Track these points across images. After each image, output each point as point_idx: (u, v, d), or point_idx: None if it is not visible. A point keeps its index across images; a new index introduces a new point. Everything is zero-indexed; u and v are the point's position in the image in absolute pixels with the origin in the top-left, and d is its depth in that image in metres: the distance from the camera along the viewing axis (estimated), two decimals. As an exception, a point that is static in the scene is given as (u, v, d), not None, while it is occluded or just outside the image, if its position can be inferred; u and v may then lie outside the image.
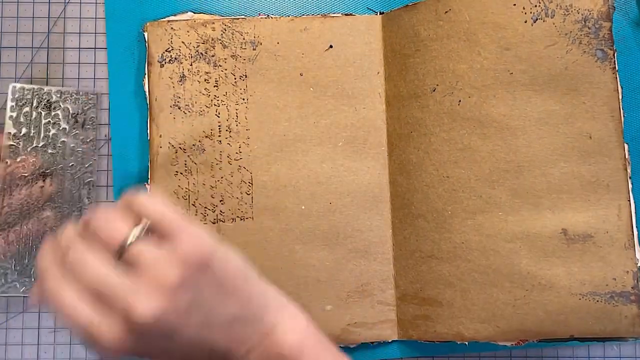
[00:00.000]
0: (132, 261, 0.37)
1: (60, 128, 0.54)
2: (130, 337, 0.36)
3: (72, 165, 0.54)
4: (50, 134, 0.54)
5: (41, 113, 0.54)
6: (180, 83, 0.52)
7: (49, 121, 0.54)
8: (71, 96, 0.54)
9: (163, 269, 0.36)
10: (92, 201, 0.54)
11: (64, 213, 0.54)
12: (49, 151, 0.54)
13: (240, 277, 0.40)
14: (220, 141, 0.52)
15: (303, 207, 0.52)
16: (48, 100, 0.54)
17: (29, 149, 0.54)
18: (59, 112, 0.54)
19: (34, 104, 0.54)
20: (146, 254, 0.37)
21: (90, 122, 0.54)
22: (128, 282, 0.36)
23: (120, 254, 0.37)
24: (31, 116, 0.54)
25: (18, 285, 0.53)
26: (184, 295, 0.37)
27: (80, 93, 0.54)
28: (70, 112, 0.54)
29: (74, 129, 0.54)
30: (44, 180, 0.54)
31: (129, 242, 0.37)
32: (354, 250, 0.52)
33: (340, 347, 0.52)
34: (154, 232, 0.38)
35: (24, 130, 0.54)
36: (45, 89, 0.54)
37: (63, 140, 0.54)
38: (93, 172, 0.55)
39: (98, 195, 0.55)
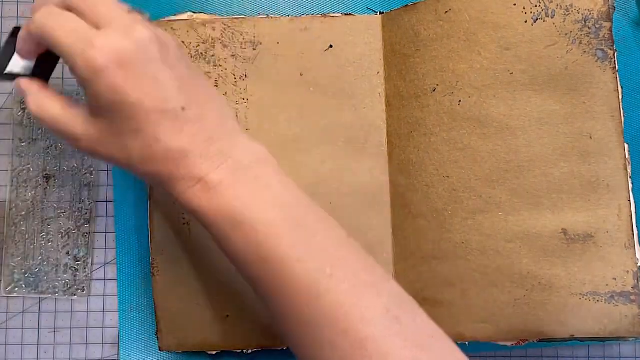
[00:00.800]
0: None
1: None
2: (126, 47, 0.39)
3: (74, 166, 0.54)
4: (52, 135, 0.54)
5: None
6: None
7: None
8: (73, 96, 0.54)
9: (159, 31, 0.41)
10: (92, 202, 0.55)
11: (66, 214, 0.54)
12: (52, 153, 0.54)
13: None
14: (220, 141, 0.52)
15: (303, 207, 0.52)
16: None
17: (33, 152, 0.54)
18: None
19: None
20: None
21: None
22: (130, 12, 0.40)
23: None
24: (34, 118, 0.54)
25: (24, 285, 0.54)
26: (175, 51, 0.41)
27: (81, 93, 0.54)
28: None
29: None
30: (47, 182, 0.54)
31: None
32: (354, 250, 0.52)
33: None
34: None
35: (28, 133, 0.54)
36: None
37: (65, 142, 0.54)
38: (93, 173, 0.55)
39: (98, 195, 0.55)
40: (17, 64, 0.44)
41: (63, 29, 0.39)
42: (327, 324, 0.38)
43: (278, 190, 0.41)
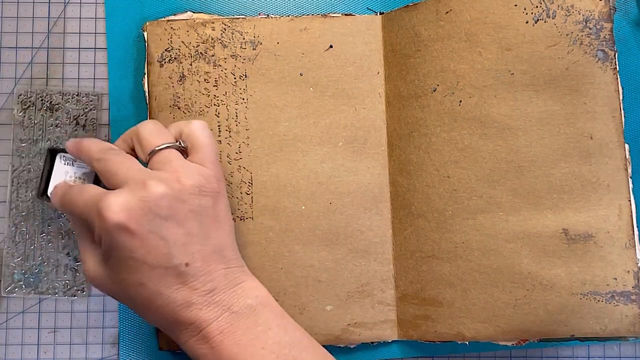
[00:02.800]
0: (161, 163, 0.44)
1: (63, 130, 0.54)
2: (133, 206, 0.41)
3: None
4: (53, 136, 0.54)
5: (44, 115, 0.54)
6: (180, 83, 0.52)
7: (52, 123, 0.54)
8: (72, 97, 0.54)
9: (185, 173, 0.43)
10: None
11: (66, 215, 0.54)
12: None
13: (231, 227, 0.46)
14: (220, 141, 0.52)
15: (303, 207, 0.52)
16: (50, 102, 0.54)
17: (34, 153, 0.54)
18: (60, 113, 0.54)
19: (38, 106, 0.54)
20: (175, 160, 0.44)
21: (91, 124, 0.54)
22: (150, 170, 0.43)
23: (152, 154, 0.44)
24: (35, 119, 0.54)
25: (24, 286, 0.54)
26: (190, 200, 0.43)
27: (81, 94, 0.54)
28: (72, 113, 0.54)
29: (75, 130, 0.54)
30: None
31: (162, 146, 0.44)
32: (354, 250, 0.52)
33: (340, 347, 0.52)
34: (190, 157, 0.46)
35: (29, 134, 0.54)
36: (47, 90, 0.54)
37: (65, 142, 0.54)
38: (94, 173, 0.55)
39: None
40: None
41: (81, 195, 0.44)
42: None
43: (276, 333, 0.44)
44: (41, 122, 0.54)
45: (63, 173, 0.50)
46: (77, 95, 0.54)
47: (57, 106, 0.54)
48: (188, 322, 0.43)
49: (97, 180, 0.49)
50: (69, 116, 0.54)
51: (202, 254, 0.43)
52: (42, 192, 0.50)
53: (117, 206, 0.41)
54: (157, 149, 0.44)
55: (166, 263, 0.42)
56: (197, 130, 0.46)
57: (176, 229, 0.42)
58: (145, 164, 0.45)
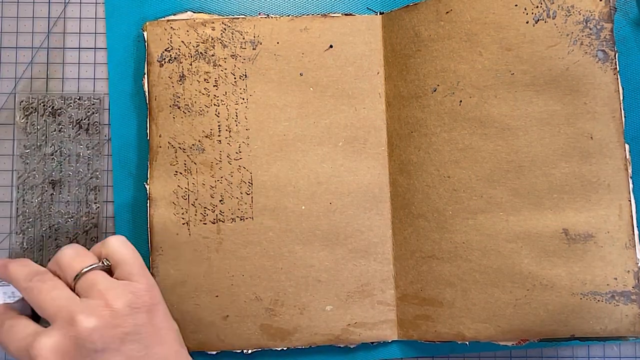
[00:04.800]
0: (88, 288, 0.43)
1: (66, 135, 0.54)
2: (65, 347, 0.40)
3: (80, 171, 0.54)
4: (57, 141, 0.54)
5: (47, 120, 0.54)
6: (180, 83, 0.52)
7: (55, 128, 0.54)
8: (74, 101, 0.54)
9: (113, 294, 0.42)
10: (99, 205, 0.54)
11: (73, 219, 0.54)
12: (57, 159, 0.54)
13: (173, 332, 0.45)
14: (220, 141, 0.52)
15: (303, 207, 0.52)
16: (52, 107, 0.54)
17: (38, 158, 0.54)
18: (63, 118, 0.54)
19: (40, 112, 0.54)
20: (101, 281, 0.43)
21: (94, 127, 0.54)
22: (78, 300, 0.42)
23: (77, 279, 0.43)
24: (38, 124, 0.54)
25: None
26: (123, 323, 0.41)
27: (83, 98, 0.54)
28: (74, 117, 0.54)
29: (79, 134, 0.54)
30: (53, 188, 0.54)
31: (85, 269, 0.43)
32: (354, 250, 0.52)
33: (340, 347, 0.52)
34: (115, 274, 0.45)
35: (32, 139, 0.54)
36: (48, 95, 0.54)
37: (69, 147, 0.54)
38: (99, 177, 0.55)
39: (102, 197, 0.55)
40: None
41: (10, 336, 0.43)
42: None
43: None
44: (44, 128, 0.54)
45: (2, 295, 0.47)
46: (78, 99, 0.54)
47: (59, 111, 0.54)
48: None
49: None
50: (71, 120, 0.54)
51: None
52: None
53: (48, 351, 0.40)
54: (81, 272, 0.43)
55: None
56: (115, 245, 0.45)
57: (115, 359, 0.41)
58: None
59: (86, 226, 0.54)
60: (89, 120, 0.54)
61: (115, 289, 0.43)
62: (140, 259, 0.46)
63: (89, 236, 0.54)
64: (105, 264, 0.45)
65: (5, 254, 0.54)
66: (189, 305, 0.52)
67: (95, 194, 0.54)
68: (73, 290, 0.44)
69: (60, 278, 0.45)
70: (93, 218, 0.54)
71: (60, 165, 0.54)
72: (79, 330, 0.40)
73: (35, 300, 0.43)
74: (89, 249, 0.47)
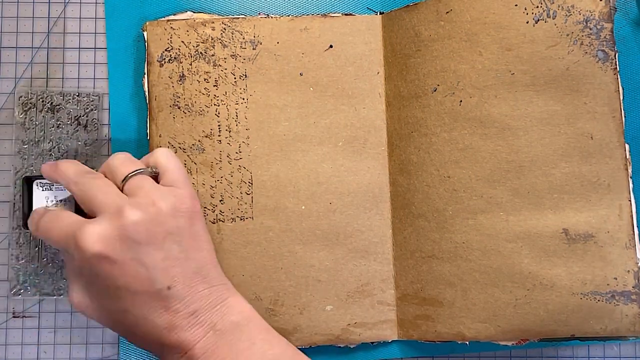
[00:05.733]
0: (135, 189, 0.44)
1: (64, 131, 0.54)
2: (111, 235, 0.41)
3: None
4: (55, 137, 0.54)
5: (45, 116, 0.54)
6: (180, 82, 0.52)
7: (53, 124, 0.54)
8: (73, 98, 0.54)
9: (158, 195, 0.43)
10: None
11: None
12: (54, 155, 0.54)
13: (210, 244, 0.46)
14: (220, 141, 0.52)
15: (303, 207, 0.52)
16: (51, 103, 0.54)
17: (36, 154, 0.54)
18: (62, 114, 0.54)
19: (39, 107, 0.54)
20: (147, 184, 0.44)
21: (93, 124, 0.54)
22: (126, 196, 0.43)
23: (125, 181, 0.44)
24: (37, 120, 0.54)
25: (29, 287, 0.54)
26: (167, 222, 0.43)
27: (82, 94, 0.54)
28: (73, 114, 0.54)
29: (77, 131, 0.54)
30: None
31: (132, 173, 0.44)
32: (354, 250, 0.52)
33: (340, 347, 0.52)
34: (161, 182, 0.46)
35: (31, 135, 0.54)
36: (48, 91, 0.54)
37: (67, 144, 0.54)
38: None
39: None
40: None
41: (57, 223, 0.44)
42: None
43: (260, 347, 0.43)
44: (42, 124, 0.54)
45: (43, 199, 0.49)
46: (77, 95, 0.54)
47: (58, 107, 0.54)
48: (173, 345, 0.43)
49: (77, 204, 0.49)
50: (70, 117, 0.54)
51: (184, 276, 0.43)
52: (25, 223, 0.49)
53: (94, 236, 0.41)
54: (129, 175, 0.44)
55: (148, 288, 0.42)
56: (162, 156, 0.47)
57: (156, 254, 0.42)
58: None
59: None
60: (87, 117, 0.54)
61: (161, 192, 0.44)
62: (185, 170, 0.47)
63: None
64: (153, 170, 0.46)
65: (5, 254, 0.54)
66: (189, 305, 0.52)
67: None
68: (121, 191, 0.45)
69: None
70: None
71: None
72: (126, 222, 0.41)
73: (84, 194, 0.44)
74: None
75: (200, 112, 0.52)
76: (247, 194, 0.52)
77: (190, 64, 0.52)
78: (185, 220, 0.44)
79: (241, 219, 0.52)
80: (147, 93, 0.53)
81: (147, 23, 0.53)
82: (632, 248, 0.48)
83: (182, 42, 0.52)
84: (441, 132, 0.50)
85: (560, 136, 0.48)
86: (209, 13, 0.55)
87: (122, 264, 0.41)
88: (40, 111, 0.54)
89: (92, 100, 0.54)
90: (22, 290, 0.53)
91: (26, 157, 0.54)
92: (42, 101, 0.54)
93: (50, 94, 0.54)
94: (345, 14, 0.53)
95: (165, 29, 0.52)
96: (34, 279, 0.53)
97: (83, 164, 0.52)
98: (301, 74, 0.53)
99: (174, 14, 0.54)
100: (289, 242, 0.52)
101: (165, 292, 0.42)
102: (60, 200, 0.49)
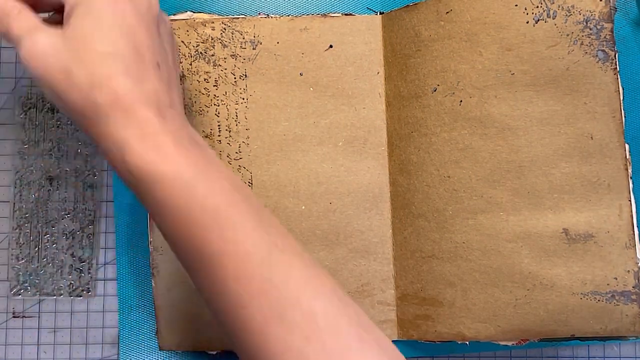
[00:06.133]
0: None
1: (64, 131, 0.54)
2: None
3: (77, 167, 0.54)
4: (55, 137, 0.54)
5: (45, 116, 0.54)
6: (180, 83, 0.52)
7: (53, 124, 0.54)
8: None
9: None
10: (96, 202, 0.54)
11: (70, 215, 0.54)
12: (54, 155, 0.54)
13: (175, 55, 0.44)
14: (220, 141, 0.52)
15: (303, 207, 0.52)
16: (51, 103, 0.54)
17: (36, 154, 0.54)
18: (62, 114, 0.54)
19: (39, 107, 0.54)
20: None
21: None
22: None
23: None
24: (37, 120, 0.54)
25: (29, 287, 0.54)
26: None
27: None
28: None
29: (77, 131, 0.54)
30: (50, 184, 0.54)
31: None
32: (354, 250, 0.52)
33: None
34: None
35: (31, 135, 0.54)
36: None
37: (67, 144, 0.54)
38: (96, 174, 0.55)
39: (100, 195, 0.55)
40: None
41: None
42: (277, 296, 0.37)
43: (225, 168, 0.39)
44: (42, 123, 0.54)
45: None
46: None
47: None
48: (142, 116, 0.37)
49: None
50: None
51: (172, 72, 0.41)
52: None
53: None
54: None
55: (153, 16, 0.40)
56: None
57: (155, 33, 0.41)
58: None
59: (83, 223, 0.54)
60: None
61: None
62: None
63: (85, 233, 0.54)
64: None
65: (5, 254, 0.54)
66: (189, 305, 0.52)
67: (93, 191, 0.54)
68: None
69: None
70: (90, 215, 0.54)
71: (58, 161, 0.54)
72: None
73: None
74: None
75: (200, 112, 0.52)
76: (247, 194, 0.52)
77: (190, 64, 0.52)
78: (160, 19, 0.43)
79: (241, 219, 0.52)
80: (147, 93, 0.53)
81: (147, 23, 0.53)
82: (632, 248, 0.48)
83: (182, 42, 0.52)
84: (441, 132, 0.50)
85: (560, 136, 0.48)
86: (209, 13, 0.55)
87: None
88: (40, 111, 0.54)
89: None
90: (22, 290, 0.53)
91: (26, 157, 0.54)
92: (42, 101, 0.54)
93: None
94: (345, 14, 0.53)
95: (165, 29, 0.52)
96: (34, 279, 0.54)
97: (82, 164, 0.52)
98: (301, 74, 0.53)
99: (174, 14, 0.54)
100: (289, 242, 0.52)
101: (157, 61, 0.40)
102: None
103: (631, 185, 0.48)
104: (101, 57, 0.37)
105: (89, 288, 0.54)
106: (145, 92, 0.37)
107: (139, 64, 0.38)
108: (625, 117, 0.49)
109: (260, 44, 0.53)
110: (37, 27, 0.39)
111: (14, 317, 0.54)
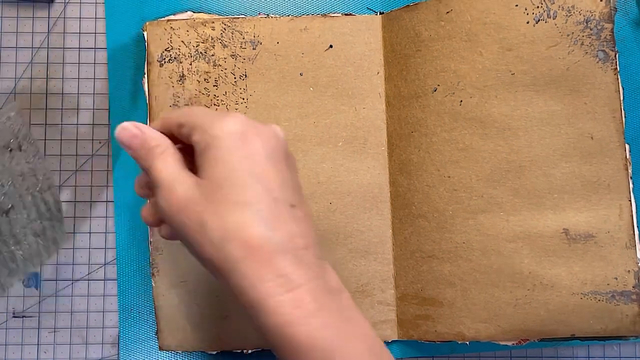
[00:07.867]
0: None
1: (0, 164, 0.50)
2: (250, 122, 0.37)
3: (27, 187, 0.51)
4: None
5: None
6: (180, 82, 0.52)
7: None
8: None
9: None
10: (59, 199, 0.52)
11: (39, 228, 0.51)
12: (6, 187, 0.50)
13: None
14: (220, 141, 0.52)
15: (303, 207, 0.52)
16: None
17: None
18: None
19: None
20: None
21: (26, 141, 0.50)
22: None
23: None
24: None
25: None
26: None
27: (1, 118, 0.50)
28: (1, 144, 0.50)
29: (13, 157, 0.51)
30: (7, 216, 0.51)
31: None
32: (354, 250, 0.52)
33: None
34: None
35: None
36: None
37: (9, 173, 0.50)
38: (49, 177, 0.51)
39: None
40: None
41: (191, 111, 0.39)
42: None
43: (361, 321, 0.37)
44: None
45: None
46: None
47: None
48: (277, 271, 0.34)
49: None
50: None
51: (305, 208, 0.38)
52: None
53: (235, 118, 0.37)
54: None
55: (282, 151, 0.38)
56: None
57: (285, 170, 0.37)
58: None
59: (49, 218, 0.51)
60: (17, 140, 0.50)
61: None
62: None
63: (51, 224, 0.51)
64: None
65: None
66: (189, 305, 0.52)
67: (52, 191, 0.51)
68: None
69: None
70: (58, 211, 0.51)
71: (7, 195, 0.51)
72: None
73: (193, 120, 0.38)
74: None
75: (200, 112, 0.52)
76: (247, 194, 0.52)
77: (190, 64, 0.52)
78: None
79: (241, 219, 0.52)
80: (147, 93, 0.53)
81: (147, 23, 0.53)
82: (632, 248, 0.48)
83: (182, 42, 0.52)
84: (441, 132, 0.50)
85: (560, 136, 0.48)
86: (209, 13, 0.55)
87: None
88: None
89: (11, 118, 0.50)
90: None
91: None
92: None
93: None
94: (345, 14, 0.53)
95: (165, 29, 0.52)
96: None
97: (32, 178, 0.49)
98: (301, 74, 0.53)
99: (174, 14, 0.54)
100: (289, 242, 0.52)
101: (292, 202, 0.37)
102: None
103: (631, 185, 0.48)
104: (234, 207, 0.35)
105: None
106: (279, 239, 0.35)
107: (272, 209, 0.35)
108: (625, 117, 0.49)
109: (260, 44, 0.53)
110: (176, 175, 0.37)
111: (14, 317, 0.54)
